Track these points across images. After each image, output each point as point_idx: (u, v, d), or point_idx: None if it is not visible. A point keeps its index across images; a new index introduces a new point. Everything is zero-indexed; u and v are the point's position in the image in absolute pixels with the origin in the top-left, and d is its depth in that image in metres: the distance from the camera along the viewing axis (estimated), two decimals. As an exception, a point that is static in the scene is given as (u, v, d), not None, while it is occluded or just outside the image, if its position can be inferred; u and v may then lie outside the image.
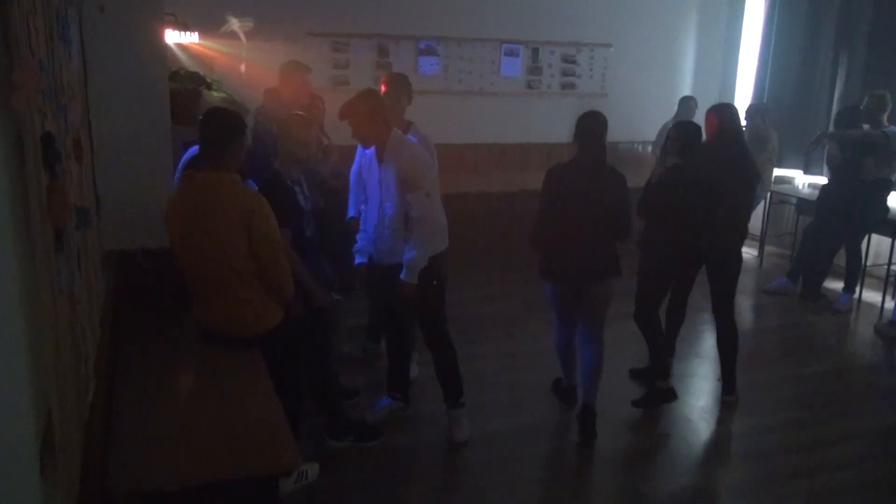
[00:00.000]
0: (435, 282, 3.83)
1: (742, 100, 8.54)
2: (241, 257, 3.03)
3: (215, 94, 4.85)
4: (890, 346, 5.71)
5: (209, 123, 3.08)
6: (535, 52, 7.86)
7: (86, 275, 2.41)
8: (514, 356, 5.03)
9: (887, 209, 6.24)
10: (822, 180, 6.88)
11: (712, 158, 4.34)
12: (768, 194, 7.46)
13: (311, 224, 3.84)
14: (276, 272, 3.12)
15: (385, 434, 3.94)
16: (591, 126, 3.87)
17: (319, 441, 3.81)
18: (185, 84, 4.62)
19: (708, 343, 5.74)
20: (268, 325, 3.18)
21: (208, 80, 5.05)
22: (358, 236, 4.07)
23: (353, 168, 4.24)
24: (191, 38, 6.00)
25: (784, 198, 7.67)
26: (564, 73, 8.02)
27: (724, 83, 8.75)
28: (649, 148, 8.04)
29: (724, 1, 8.61)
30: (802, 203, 7.23)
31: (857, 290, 6.45)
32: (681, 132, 4.25)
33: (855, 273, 6.38)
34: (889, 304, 6.27)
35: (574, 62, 8.03)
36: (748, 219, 4.74)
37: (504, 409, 4.32)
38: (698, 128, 4.31)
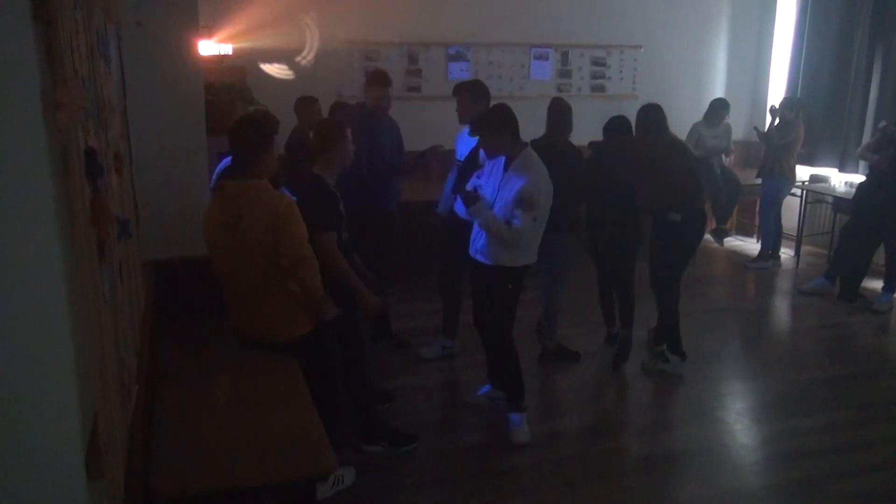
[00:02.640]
0: (511, 286, 3.98)
1: (775, 98, 8.44)
2: (270, 261, 3.07)
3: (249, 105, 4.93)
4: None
5: (239, 132, 3.11)
6: (565, 55, 7.85)
7: (127, 284, 2.47)
8: (544, 359, 5.02)
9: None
10: (859, 178, 6.76)
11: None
12: (803, 193, 7.36)
13: (346, 228, 3.88)
14: (302, 267, 3.10)
15: (419, 439, 3.96)
16: (553, 112, 4.85)
17: (355, 446, 3.85)
18: (220, 96, 4.71)
19: (738, 345, 5.68)
20: (301, 330, 3.22)
21: (242, 92, 5.13)
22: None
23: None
24: (224, 51, 6.11)
25: (820, 197, 7.57)
26: (594, 76, 8.01)
27: (756, 82, 8.65)
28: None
29: (755, -2, 8.52)
30: (839, 202, 7.13)
31: (898, 288, 6.33)
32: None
33: (895, 271, 6.27)
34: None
35: (604, 64, 8.01)
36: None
37: (536, 413, 4.32)
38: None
